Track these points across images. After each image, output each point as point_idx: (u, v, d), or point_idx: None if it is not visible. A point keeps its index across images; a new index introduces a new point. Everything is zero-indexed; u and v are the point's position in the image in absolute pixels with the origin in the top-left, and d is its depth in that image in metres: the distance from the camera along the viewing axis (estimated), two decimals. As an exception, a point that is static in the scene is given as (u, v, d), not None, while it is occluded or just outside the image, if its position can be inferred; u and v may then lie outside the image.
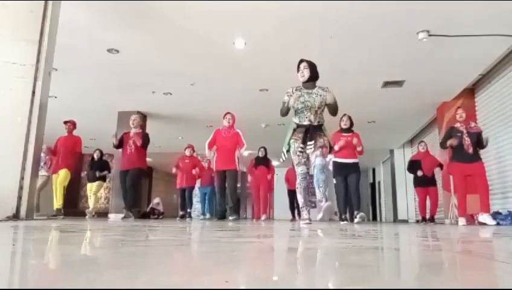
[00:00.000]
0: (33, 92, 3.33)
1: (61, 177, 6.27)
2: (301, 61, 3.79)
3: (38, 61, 3.40)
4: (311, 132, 3.62)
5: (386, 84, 6.52)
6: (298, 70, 3.77)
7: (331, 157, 5.65)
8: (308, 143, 3.61)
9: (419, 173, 6.82)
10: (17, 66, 3.36)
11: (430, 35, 4.76)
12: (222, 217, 5.86)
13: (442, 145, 5.25)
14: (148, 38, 5.11)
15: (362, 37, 4.93)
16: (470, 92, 6.84)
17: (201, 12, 4.43)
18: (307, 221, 3.60)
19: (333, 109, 3.72)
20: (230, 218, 5.53)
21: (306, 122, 3.64)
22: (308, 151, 3.65)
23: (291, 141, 3.71)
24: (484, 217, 4.74)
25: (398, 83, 6.48)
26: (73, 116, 6.86)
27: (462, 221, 4.93)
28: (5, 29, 3.46)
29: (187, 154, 8.16)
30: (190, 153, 8.17)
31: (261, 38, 5.03)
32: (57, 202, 6.26)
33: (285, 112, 3.72)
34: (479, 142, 4.98)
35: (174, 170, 8.22)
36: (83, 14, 4.53)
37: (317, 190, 3.61)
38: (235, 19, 4.59)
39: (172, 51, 5.47)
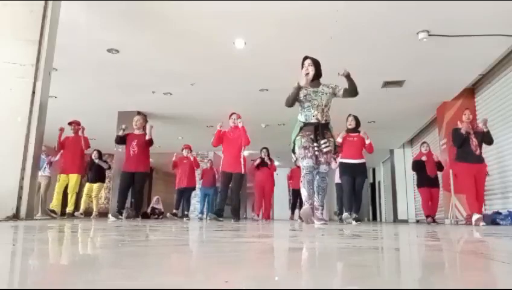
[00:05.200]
0: (33, 92, 3.33)
1: (74, 184, 6.34)
2: (305, 58, 3.76)
3: (38, 61, 3.40)
4: (320, 131, 3.60)
5: (386, 84, 6.51)
6: (302, 67, 3.73)
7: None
8: (322, 142, 3.58)
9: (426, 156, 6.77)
10: (17, 66, 3.36)
11: (430, 35, 4.76)
12: (218, 215, 5.79)
13: (456, 144, 5.06)
14: (148, 38, 5.11)
15: (362, 37, 4.93)
16: (470, 92, 6.84)
17: (202, 13, 4.43)
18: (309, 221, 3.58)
19: (350, 89, 3.62)
20: (232, 221, 5.48)
21: (313, 120, 3.61)
22: (325, 150, 3.58)
23: (298, 137, 3.64)
24: (476, 218, 4.71)
25: (398, 83, 6.48)
26: (73, 116, 6.87)
27: (476, 217, 4.80)
28: (5, 29, 3.46)
29: (184, 154, 8.15)
30: (188, 154, 8.16)
31: (261, 38, 5.03)
32: (69, 208, 6.45)
33: (293, 98, 3.63)
34: (485, 138, 4.95)
35: (173, 162, 8.16)
36: (83, 14, 4.52)
37: (316, 197, 3.63)
38: (235, 19, 4.59)
39: (173, 51, 5.46)
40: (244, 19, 4.59)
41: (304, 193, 3.69)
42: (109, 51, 5.46)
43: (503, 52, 5.37)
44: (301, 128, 3.65)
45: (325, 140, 3.59)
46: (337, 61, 5.61)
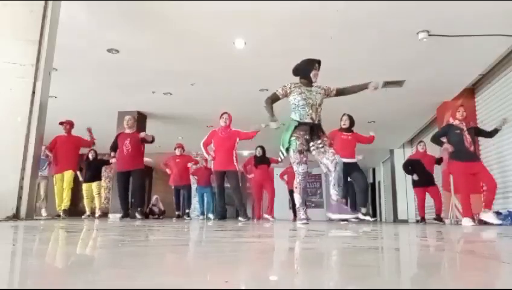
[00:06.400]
0: (33, 92, 3.33)
1: (68, 180, 6.30)
2: (318, 62, 3.74)
3: (38, 61, 3.40)
4: (316, 130, 3.59)
5: (386, 84, 6.51)
6: (312, 69, 3.69)
7: None
8: (319, 141, 3.57)
9: (415, 177, 6.78)
10: (17, 66, 3.35)
11: (430, 35, 4.76)
12: (222, 217, 5.84)
13: (434, 139, 5.13)
14: (148, 38, 5.11)
15: (362, 37, 4.92)
16: (470, 92, 6.84)
17: (202, 13, 4.43)
18: (305, 221, 3.57)
19: (349, 88, 3.81)
20: (242, 219, 5.43)
21: (308, 120, 3.59)
22: (312, 150, 3.58)
23: (293, 138, 3.58)
24: (488, 216, 4.59)
25: (398, 83, 6.48)
26: (73, 116, 6.86)
27: (467, 221, 4.77)
28: (5, 29, 3.46)
29: (177, 154, 8.16)
30: (180, 153, 8.16)
31: (261, 38, 5.03)
32: (65, 203, 6.38)
33: (271, 100, 3.71)
34: (481, 133, 4.94)
35: (168, 170, 8.29)
36: (83, 14, 4.52)
37: (336, 189, 3.56)
38: (235, 19, 4.59)
39: (173, 51, 5.46)
40: (244, 19, 4.58)
41: (298, 199, 3.68)
42: (109, 51, 5.46)
43: (503, 52, 5.37)
44: (295, 127, 3.59)
45: (319, 140, 3.59)
46: (337, 61, 5.64)
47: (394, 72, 6.05)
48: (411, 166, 6.97)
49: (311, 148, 3.60)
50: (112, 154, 6.07)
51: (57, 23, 3.68)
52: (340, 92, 3.82)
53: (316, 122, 3.63)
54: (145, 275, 0.63)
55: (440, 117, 7.55)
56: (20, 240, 1.45)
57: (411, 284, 0.66)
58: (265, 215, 7.85)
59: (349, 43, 5.10)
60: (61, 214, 6.25)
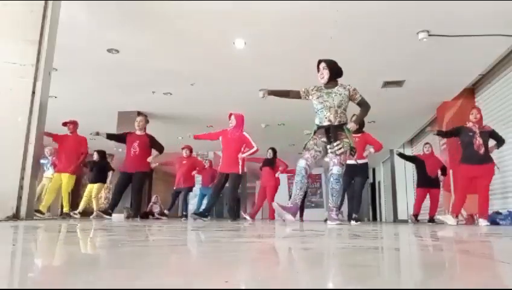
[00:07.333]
0: (33, 92, 3.33)
1: (66, 183, 6.28)
2: (320, 61, 3.73)
3: (38, 61, 3.40)
4: (332, 132, 3.55)
5: (386, 84, 6.51)
6: (318, 71, 3.72)
7: None
8: (335, 144, 3.55)
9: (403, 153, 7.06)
10: (17, 66, 3.36)
11: (430, 35, 4.76)
12: (200, 214, 5.66)
13: (441, 132, 5.27)
14: (148, 38, 5.11)
15: (362, 37, 4.93)
16: (470, 92, 6.84)
17: (202, 13, 4.43)
18: (280, 210, 3.54)
19: (364, 107, 3.79)
20: (229, 220, 5.47)
21: (326, 123, 3.58)
22: (338, 152, 3.55)
23: (310, 141, 3.65)
24: (481, 222, 4.71)
25: (398, 83, 6.48)
26: (73, 116, 6.86)
27: (450, 219, 4.87)
28: (5, 29, 3.47)
29: (184, 155, 8.14)
30: (187, 154, 8.14)
31: (261, 38, 5.03)
32: (65, 209, 6.46)
33: (290, 91, 3.78)
34: (495, 139, 4.96)
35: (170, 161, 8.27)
36: (83, 14, 4.53)
37: (330, 198, 3.64)
38: (235, 19, 4.59)
39: (173, 51, 5.46)
40: (244, 19, 4.59)
41: (293, 191, 3.71)
42: (109, 51, 5.46)
43: (503, 52, 5.37)
44: (315, 132, 3.67)
45: (338, 142, 3.55)
46: (337, 61, 5.62)
47: (394, 72, 6.05)
48: (413, 162, 7.10)
49: (329, 149, 3.61)
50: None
51: (57, 23, 3.68)
52: (358, 105, 3.85)
53: (335, 123, 3.58)
54: (145, 275, 0.63)
55: (440, 117, 7.55)
56: (20, 240, 1.45)
57: (411, 284, 0.66)
58: (244, 215, 7.77)
59: (349, 43, 5.10)
60: (69, 213, 6.35)
